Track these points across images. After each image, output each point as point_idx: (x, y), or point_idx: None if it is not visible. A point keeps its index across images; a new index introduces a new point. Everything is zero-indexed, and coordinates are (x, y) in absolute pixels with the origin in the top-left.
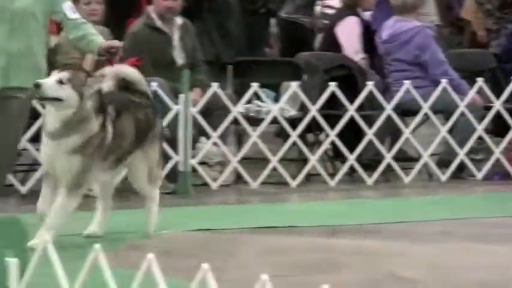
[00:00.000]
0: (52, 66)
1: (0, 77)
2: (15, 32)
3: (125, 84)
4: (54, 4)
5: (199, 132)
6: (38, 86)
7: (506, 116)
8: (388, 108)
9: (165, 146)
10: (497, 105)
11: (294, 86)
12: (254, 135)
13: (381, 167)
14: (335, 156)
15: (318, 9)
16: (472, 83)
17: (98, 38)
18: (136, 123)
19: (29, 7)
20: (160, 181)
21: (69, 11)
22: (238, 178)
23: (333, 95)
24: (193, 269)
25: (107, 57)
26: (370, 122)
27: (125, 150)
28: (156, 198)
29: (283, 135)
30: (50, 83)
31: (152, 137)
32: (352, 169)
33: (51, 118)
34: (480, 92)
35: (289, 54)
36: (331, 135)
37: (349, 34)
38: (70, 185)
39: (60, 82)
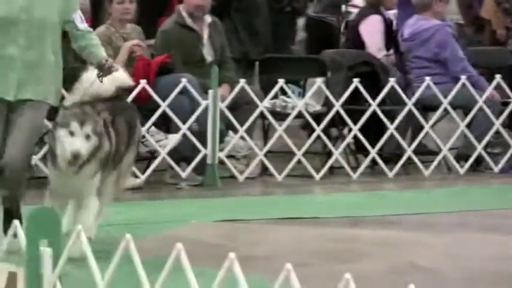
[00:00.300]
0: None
1: (15, 89)
2: (31, 44)
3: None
4: (68, 13)
5: (227, 127)
6: (76, 157)
7: None
8: (409, 104)
9: (194, 139)
10: None
11: (318, 82)
12: (280, 129)
13: (402, 161)
14: (357, 150)
15: (343, 8)
16: (490, 79)
17: (99, 50)
18: (128, 127)
19: (46, 18)
20: (112, 197)
21: (79, 20)
22: (264, 171)
23: (356, 91)
24: (221, 258)
25: (99, 73)
26: (391, 117)
27: (123, 154)
28: (91, 208)
29: (307, 130)
30: (82, 147)
31: (134, 141)
32: (373, 162)
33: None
34: (498, 88)
35: (316, 51)
36: (354, 129)
37: (372, 32)
38: (95, 194)
39: (88, 137)
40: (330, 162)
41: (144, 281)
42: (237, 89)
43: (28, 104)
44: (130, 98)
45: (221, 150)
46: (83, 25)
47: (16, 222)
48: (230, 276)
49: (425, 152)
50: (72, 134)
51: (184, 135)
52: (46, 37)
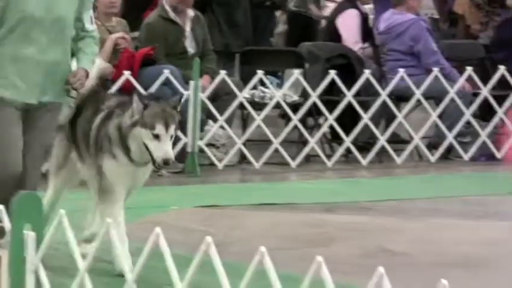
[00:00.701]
0: None
1: (38, 93)
2: (52, 44)
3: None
4: (81, 12)
5: (207, 116)
6: (167, 163)
7: (492, 102)
8: (384, 95)
9: None
10: (485, 91)
11: (296, 74)
12: (258, 119)
13: (375, 149)
14: (333, 139)
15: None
16: (462, 71)
17: (86, 58)
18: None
19: (66, 16)
20: None
21: (89, 21)
22: (243, 159)
23: (332, 82)
24: (199, 243)
25: (68, 85)
26: (366, 107)
27: None
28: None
29: (285, 119)
30: (172, 152)
31: None
32: (348, 151)
33: (137, 155)
34: (469, 79)
35: (296, 44)
36: (330, 119)
37: (348, 26)
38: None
39: (171, 138)
40: (306, 150)
41: (126, 266)
42: (217, 80)
43: (48, 107)
44: (114, 89)
45: (201, 138)
46: (91, 26)
47: (1, 206)
48: (207, 260)
49: (398, 140)
50: (157, 137)
51: None
52: (64, 37)
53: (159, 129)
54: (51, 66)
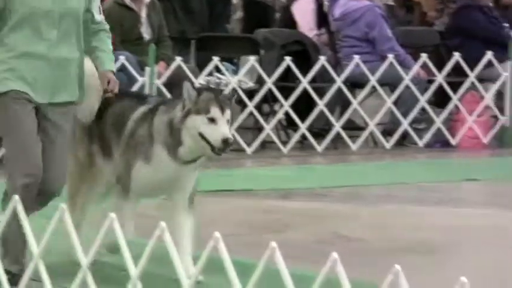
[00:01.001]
0: None
1: (49, 92)
2: (62, 39)
3: None
4: (90, 2)
5: None
6: (228, 144)
7: (447, 88)
8: (339, 81)
9: None
10: (440, 78)
11: (252, 60)
12: None
13: (330, 135)
14: (288, 125)
15: None
16: (417, 58)
17: (106, 57)
18: None
19: (78, 7)
20: None
21: (97, 11)
22: None
23: (288, 69)
24: (153, 229)
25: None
26: (321, 94)
27: None
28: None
29: (240, 106)
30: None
31: None
32: (303, 137)
33: (189, 150)
34: (424, 66)
35: (252, 31)
36: (285, 105)
37: (304, 12)
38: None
39: (227, 122)
40: (262, 137)
41: (79, 252)
42: (173, 67)
43: (62, 108)
44: None
45: None
46: (100, 16)
47: None
48: (162, 246)
49: (353, 127)
50: (212, 120)
51: None
52: (76, 30)
53: (214, 112)
54: (63, 64)
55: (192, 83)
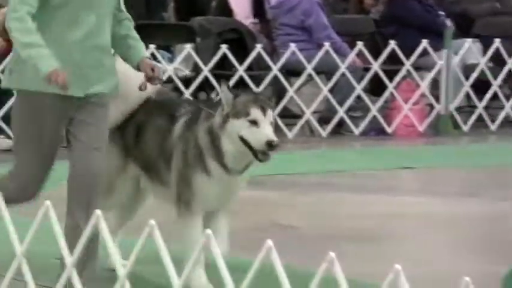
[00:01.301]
0: None
1: (85, 83)
2: (101, 24)
3: None
4: None
5: None
6: (271, 145)
7: (383, 76)
8: (275, 69)
9: None
10: (375, 66)
11: (188, 48)
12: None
13: None
14: None
15: None
16: (352, 46)
17: (140, 45)
18: None
19: None
20: None
21: None
22: None
23: (224, 57)
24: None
25: (145, 81)
26: (257, 82)
27: None
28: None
29: (177, 94)
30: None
31: None
32: None
33: (233, 158)
34: (360, 54)
35: (187, 19)
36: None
37: (240, 0)
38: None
39: (271, 124)
40: None
41: (13, 237)
42: None
43: (98, 99)
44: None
45: None
46: (122, 5)
47: None
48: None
49: (290, 115)
50: (254, 123)
51: None
52: (111, 15)
53: (255, 113)
54: (99, 52)
55: (228, 86)
